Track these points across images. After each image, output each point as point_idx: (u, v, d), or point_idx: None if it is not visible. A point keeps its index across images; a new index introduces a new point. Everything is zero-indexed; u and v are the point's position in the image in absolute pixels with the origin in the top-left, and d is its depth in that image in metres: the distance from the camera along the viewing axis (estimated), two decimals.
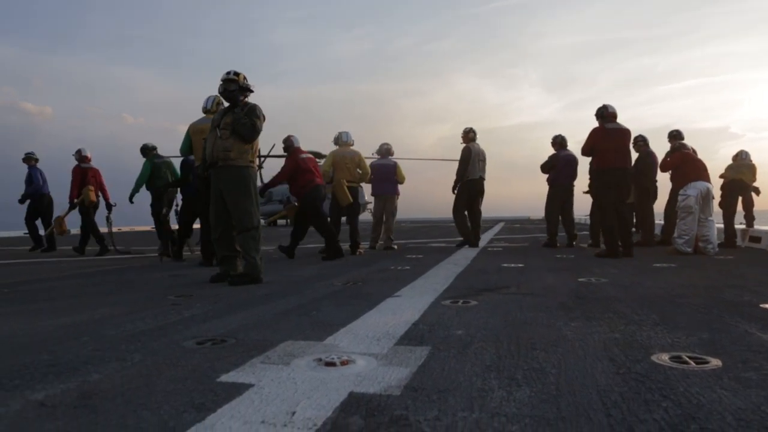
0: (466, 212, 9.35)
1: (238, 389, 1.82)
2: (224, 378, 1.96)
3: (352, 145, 9.01)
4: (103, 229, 10.12)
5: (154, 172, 8.79)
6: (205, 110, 6.84)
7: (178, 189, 8.19)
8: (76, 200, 9.89)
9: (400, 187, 9.75)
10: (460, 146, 9.41)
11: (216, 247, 5.18)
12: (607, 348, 2.31)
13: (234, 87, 4.97)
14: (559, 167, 9.38)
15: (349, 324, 2.90)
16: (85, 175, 9.96)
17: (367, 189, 10.98)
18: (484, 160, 9.40)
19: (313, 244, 9.26)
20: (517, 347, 2.34)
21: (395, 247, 9.39)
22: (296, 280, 5.12)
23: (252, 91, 5.11)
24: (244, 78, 5.05)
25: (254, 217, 4.92)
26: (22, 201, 10.72)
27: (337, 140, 8.95)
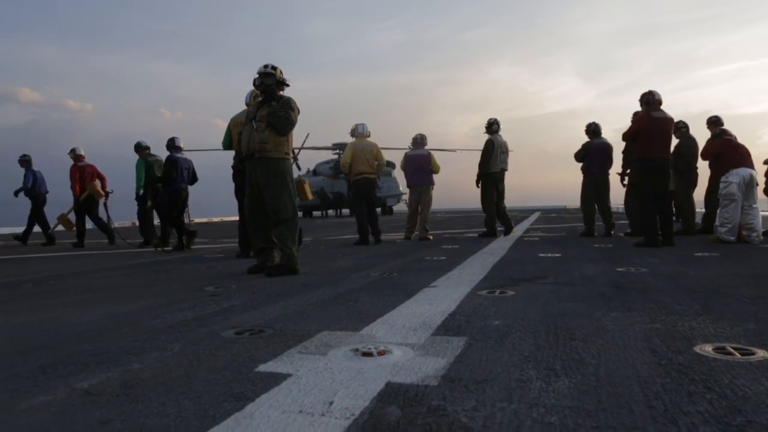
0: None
1: (276, 379, 1.84)
2: (262, 368, 1.98)
3: (369, 136, 9.08)
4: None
5: (148, 169, 9.27)
6: (247, 103, 6.94)
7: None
8: (80, 197, 10.49)
9: (435, 177, 9.74)
10: (483, 137, 9.47)
11: (252, 239, 5.24)
12: (648, 339, 2.26)
13: (272, 81, 5.01)
14: (592, 156, 9.22)
15: (385, 314, 2.91)
16: (82, 172, 10.61)
17: (401, 179, 11.06)
18: (506, 152, 9.47)
19: (349, 235, 9.29)
20: (556, 338, 2.31)
21: (431, 237, 9.37)
22: (332, 270, 5.14)
23: (288, 85, 5.15)
24: (281, 72, 5.09)
25: (290, 209, 4.96)
26: (15, 194, 11.40)
27: (354, 132, 9.05)
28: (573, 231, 10.78)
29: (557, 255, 6.04)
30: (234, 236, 8.57)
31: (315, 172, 37.50)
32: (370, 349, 2.16)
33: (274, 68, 5.04)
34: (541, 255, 6.05)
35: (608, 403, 1.54)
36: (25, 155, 11.40)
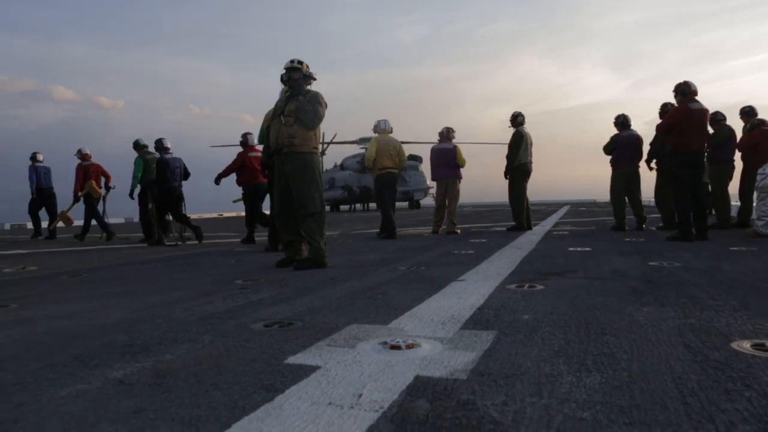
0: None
1: (305, 371, 1.85)
2: (291, 360, 1.99)
3: (391, 132, 9.21)
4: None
5: (145, 167, 9.58)
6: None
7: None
8: (80, 194, 11.09)
9: (461, 171, 9.72)
10: (509, 131, 9.45)
11: (281, 233, 5.28)
12: (683, 334, 2.22)
13: (298, 75, 5.03)
14: (621, 148, 9.07)
15: (413, 308, 2.90)
16: (87, 171, 11.19)
17: (428, 173, 11.10)
18: (532, 144, 9.43)
19: (375, 228, 9.30)
20: (587, 332, 2.28)
21: (458, 231, 9.34)
22: (360, 264, 5.15)
23: (315, 79, 5.16)
24: (307, 66, 5.10)
25: (318, 203, 4.98)
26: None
27: (377, 128, 9.19)
28: (603, 225, 10.63)
29: (587, 249, 5.96)
30: (262, 230, 8.69)
31: (342, 167, 37.62)
32: (398, 342, 2.16)
33: (300, 63, 5.06)
34: (571, 249, 5.98)
35: (641, 400, 1.51)
36: (33, 153, 11.93)
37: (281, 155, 5.02)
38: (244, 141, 8.82)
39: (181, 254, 7.17)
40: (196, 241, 8.87)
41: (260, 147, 8.30)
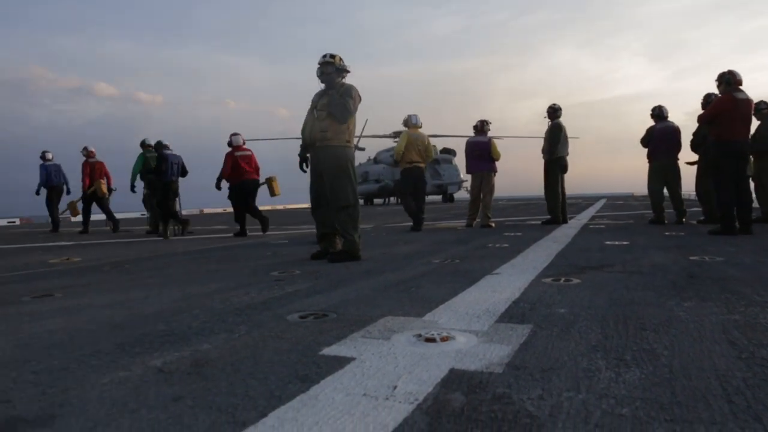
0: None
1: (340, 362, 1.86)
2: (326, 351, 2.01)
3: (421, 127, 9.33)
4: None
5: (145, 164, 10.44)
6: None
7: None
8: (87, 190, 11.96)
9: (497, 164, 9.66)
10: (545, 122, 9.38)
11: (316, 225, 5.32)
12: (726, 330, 2.16)
13: (330, 69, 5.04)
14: (656, 141, 8.87)
15: (448, 301, 2.89)
16: (92, 167, 12.01)
17: (461, 167, 11.16)
18: (567, 137, 9.35)
19: (409, 222, 9.30)
20: (625, 327, 2.24)
21: (493, 224, 9.28)
22: (394, 257, 5.16)
23: (349, 72, 5.17)
24: (340, 59, 5.11)
25: (351, 196, 4.99)
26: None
27: (407, 122, 9.28)
28: (641, 219, 10.42)
29: (625, 243, 5.85)
30: (298, 222, 8.83)
31: (376, 160, 37.69)
32: (433, 335, 2.15)
33: (332, 56, 5.07)
34: (608, 243, 5.88)
35: (683, 396, 1.48)
36: (43, 152, 12.72)
37: (314, 149, 5.06)
38: (231, 142, 9.41)
39: (219, 246, 7.29)
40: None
41: (247, 147, 9.64)
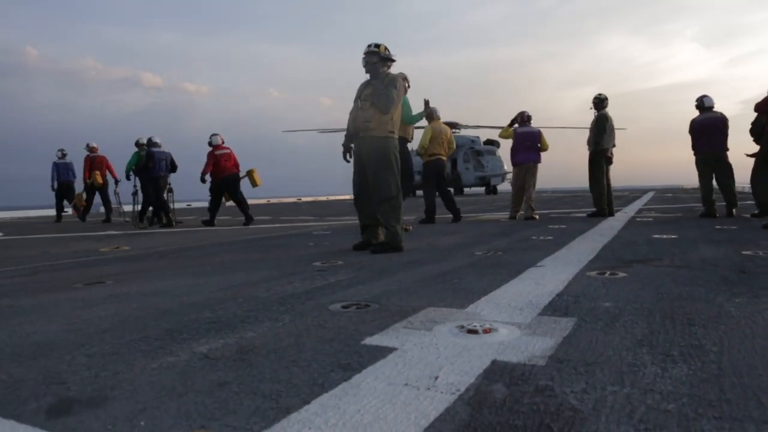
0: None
1: (382, 352, 1.87)
2: (368, 341, 2.03)
3: (440, 120, 9.32)
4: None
5: (138, 161, 11.17)
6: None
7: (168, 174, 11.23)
8: (87, 181, 13.21)
9: (542, 155, 9.56)
10: (591, 113, 9.21)
11: (358, 216, 5.35)
12: None
13: (375, 59, 5.05)
14: (696, 132, 8.59)
15: (490, 292, 2.88)
16: (93, 161, 13.26)
17: (505, 159, 11.14)
18: (614, 128, 9.16)
19: (448, 214, 9.27)
20: (672, 322, 2.19)
21: (536, 216, 9.16)
22: (437, 248, 5.15)
23: (394, 61, 5.16)
24: (385, 48, 5.10)
25: (393, 187, 5.00)
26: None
27: (431, 115, 9.21)
28: (691, 212, 10.13)
29: (673, 236, 5.70)
30: (339, 213, 8.91)
31: (417, 152, 37.60)
32: (475, 326, 2.15)
33: (377, 46, 5.07)
34: (655, 236, 5.74)
35: (732, 394, 1.44)
36: (59, 150, 14.03)
37: (357, 140, 5.07)
38: (211, 142, 10.62)
39: (262, 237, 7.41)
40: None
41: (226, 146, 10.70)
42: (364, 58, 5.09)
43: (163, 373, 1.73)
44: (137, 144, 11.72)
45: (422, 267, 3.94)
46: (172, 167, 11.24)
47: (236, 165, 10.80)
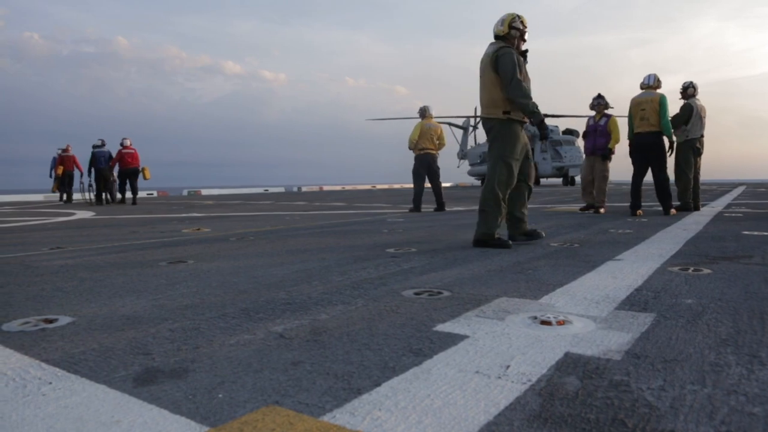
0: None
1: (453, 339, 1.88)
2: (440, 328, 2.03)
3: (432, 117, 10.27)
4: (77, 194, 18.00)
5: (92, 159, 16.34)
6: (645, 86, 7.93)
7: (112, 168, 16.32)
8: (59, 173, 17.52)
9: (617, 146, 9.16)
10: (679, 102, 8.79)
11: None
12: None
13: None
14: None
15: (565, 284, 2.82)
16: (63, 159, 17.64)
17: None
18: (704, 117, 8.68)
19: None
20: (761, 322, 2.08)
21: (601, 210, 8.75)
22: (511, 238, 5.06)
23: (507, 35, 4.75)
24: (508, 24, 4.72)
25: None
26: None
27: (423, 113, 10.15)
28: None
29: (765, 233, 5.37)
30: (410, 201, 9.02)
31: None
32: (548, 318, 2.11)
33: (502, 24, 4.73)
34: (745, 232, 5.43)
35: None
36: (98, 140, 17.46)
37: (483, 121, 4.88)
38: (122, 143, 15.60)
39: (338, 222, 7.53)
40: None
41: (132, 147, 15.78)
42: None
43: (240, 349, 1.80)
44: (94, 146, 16.28)
45: (496, 257, 3.90)
46: (112, 161, 15.95)
47: (137, 160, 15.68)
